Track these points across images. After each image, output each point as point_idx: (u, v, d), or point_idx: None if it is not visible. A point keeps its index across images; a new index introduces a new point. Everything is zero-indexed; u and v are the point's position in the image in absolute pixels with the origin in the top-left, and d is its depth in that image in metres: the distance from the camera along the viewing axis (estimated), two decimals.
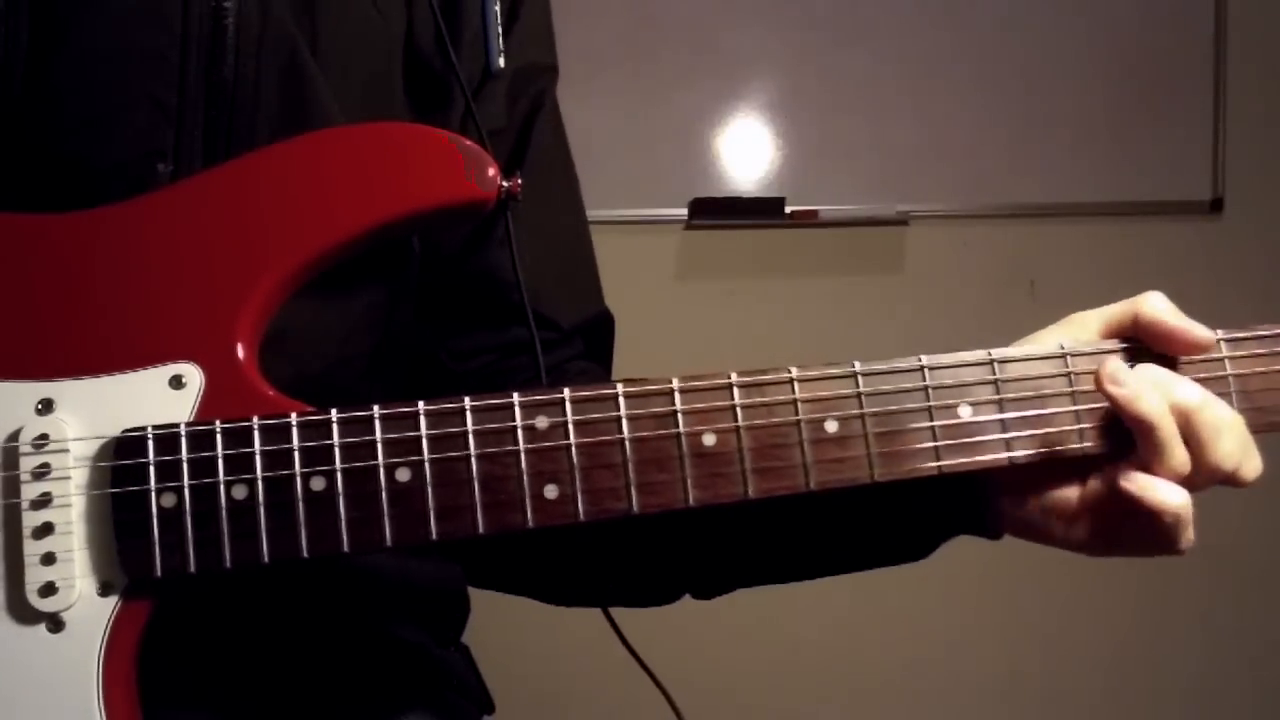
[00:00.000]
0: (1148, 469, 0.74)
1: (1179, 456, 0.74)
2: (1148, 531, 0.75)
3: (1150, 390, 0.74)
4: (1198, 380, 0.76)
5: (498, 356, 0.98)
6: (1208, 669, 2.64)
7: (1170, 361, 0.78)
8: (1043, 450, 0.76)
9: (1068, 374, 0.76)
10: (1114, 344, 0.78)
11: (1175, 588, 2.53)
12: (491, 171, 0.77)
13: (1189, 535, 0.75)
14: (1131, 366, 0.76)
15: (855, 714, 2.58)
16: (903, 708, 2.59)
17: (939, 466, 0.75)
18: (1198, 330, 0.78)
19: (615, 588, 0.93)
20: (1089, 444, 0.77)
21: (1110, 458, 0.77)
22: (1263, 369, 0.78)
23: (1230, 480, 0.77)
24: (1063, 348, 0.77)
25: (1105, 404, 0.75)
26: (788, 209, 2.50)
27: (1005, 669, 2.60)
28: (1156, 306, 0.78)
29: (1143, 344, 0.78)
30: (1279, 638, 2.65)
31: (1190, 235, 2.59)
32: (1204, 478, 0.76)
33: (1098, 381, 0.75)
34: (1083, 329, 0.80)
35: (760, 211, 2.49)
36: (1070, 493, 0.79)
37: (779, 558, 0.90)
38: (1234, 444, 0.75)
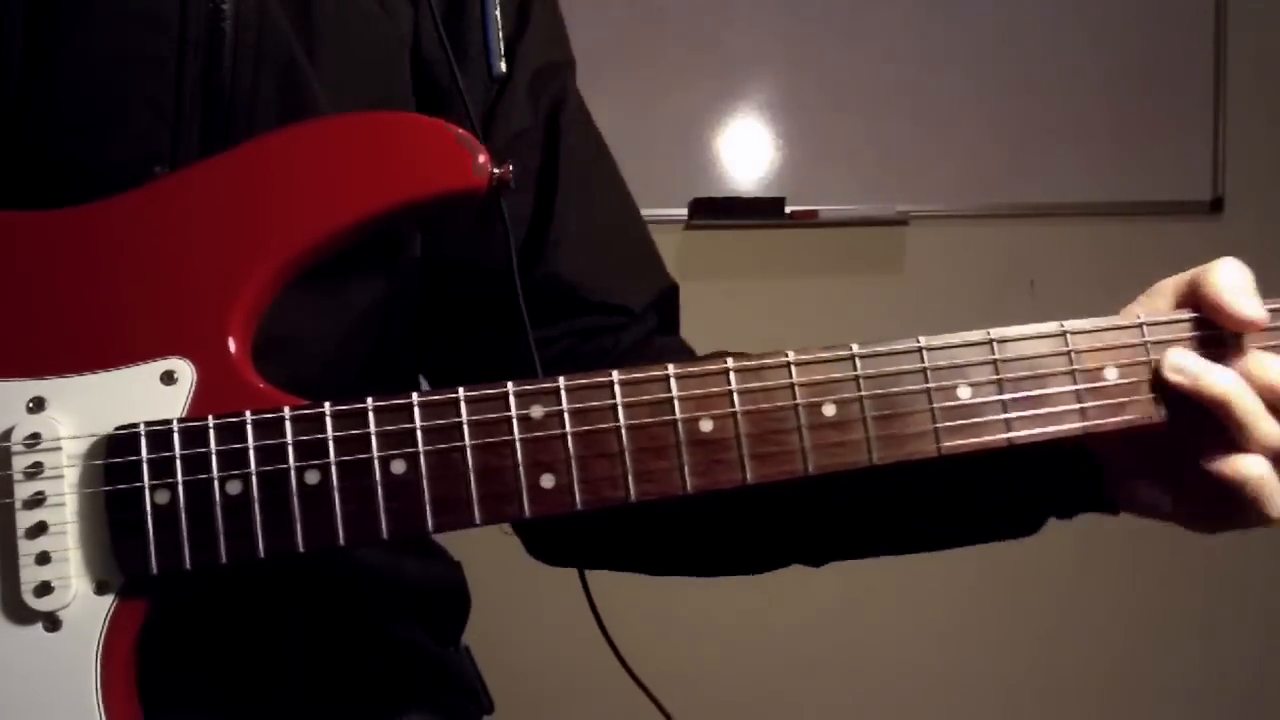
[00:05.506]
0: (1233, 445, 0.73)
1: (1264, 429, 0.72)
2: (1238, 503, 0.73)
3: (1217, 370, 0.73)
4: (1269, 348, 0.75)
5: (576, 340, 0.97)
6: (1207, 670, 2.63)
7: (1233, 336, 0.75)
8: (1044, 430, 0.75)
9: (1067, 352, 0.75)
10: (1184, 314, 0.76)
11: (1175, 589, 2.53)
12: (482, 158, 0.76)
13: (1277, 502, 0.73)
14: (1197, 342, 0.75)
15: (853, 715, 2.58)
16: (895, 707, 2.59)
17: (939, 448, 0.74)
18: (1246, 309, 0.74)
19: (725, 554, 0.93)
20: (1092, 421, 0.75)
21: (1134, 430, 0.75)
22: None
23: None
24: (1062, 326, 0.76)
25: (1106, 381, 0.74)
26: (788, 209, 2.50)
27: (996, 669, 2.60)
28: (1218, 280, 0.75)
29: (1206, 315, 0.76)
30: (1278, 638, 2.64)
31: (1190, 235, 2.59)
32: None
33: (1161, 375, 0.74)
34: (1160, 297, 0.78)
35: (760, 211, 2.50)
36: (1173, 471, 0.78)
37: (888, 530, 0.89)
38: None
